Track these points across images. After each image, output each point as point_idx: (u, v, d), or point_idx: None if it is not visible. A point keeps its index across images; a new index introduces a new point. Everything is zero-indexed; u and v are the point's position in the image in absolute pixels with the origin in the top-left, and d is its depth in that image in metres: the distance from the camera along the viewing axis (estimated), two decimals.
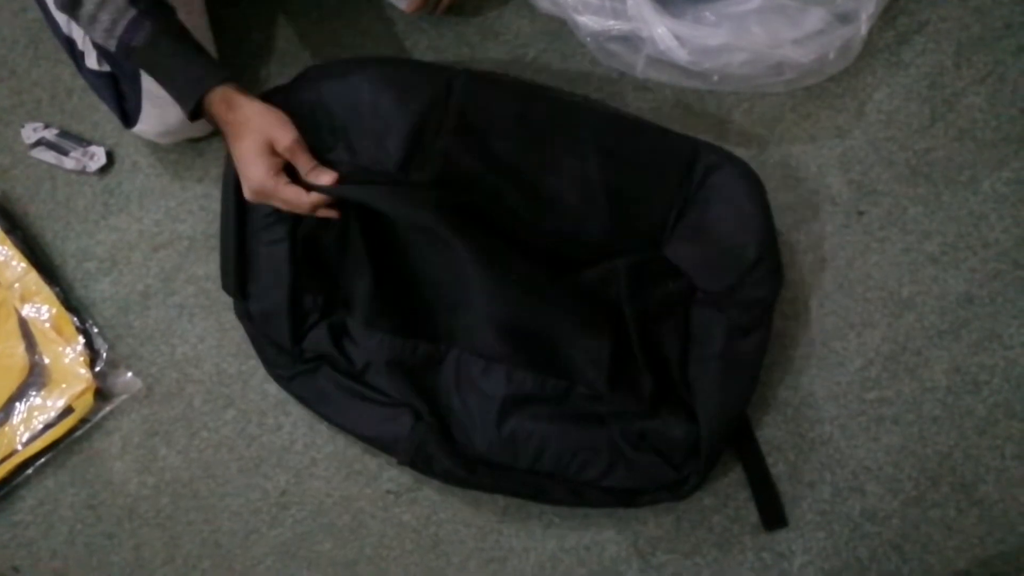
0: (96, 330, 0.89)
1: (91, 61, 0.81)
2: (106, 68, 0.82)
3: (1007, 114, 0.86)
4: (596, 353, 0.76)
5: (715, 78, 0.85)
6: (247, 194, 0.70)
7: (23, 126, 0.93)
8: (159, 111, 0.83)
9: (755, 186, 0.77)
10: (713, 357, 0.76)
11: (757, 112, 0.89)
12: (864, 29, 0.85)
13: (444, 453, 0.77)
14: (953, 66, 0.88)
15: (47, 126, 0.93)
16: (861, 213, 0.86)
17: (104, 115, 0.93)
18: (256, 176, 0.68)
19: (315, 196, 0.69)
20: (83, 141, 0.93)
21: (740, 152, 0.87)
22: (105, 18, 0.65)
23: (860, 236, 0.85)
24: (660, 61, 0.85)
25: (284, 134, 0.68)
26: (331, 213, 0.72)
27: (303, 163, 0.70)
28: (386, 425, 0.79)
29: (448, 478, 0.79)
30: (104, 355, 0.88)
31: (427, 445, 0.77)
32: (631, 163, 0.77)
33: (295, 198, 0.69)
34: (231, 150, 0.70)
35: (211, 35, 0.84)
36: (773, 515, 0.80)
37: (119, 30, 0.65)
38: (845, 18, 0.86)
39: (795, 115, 0.89)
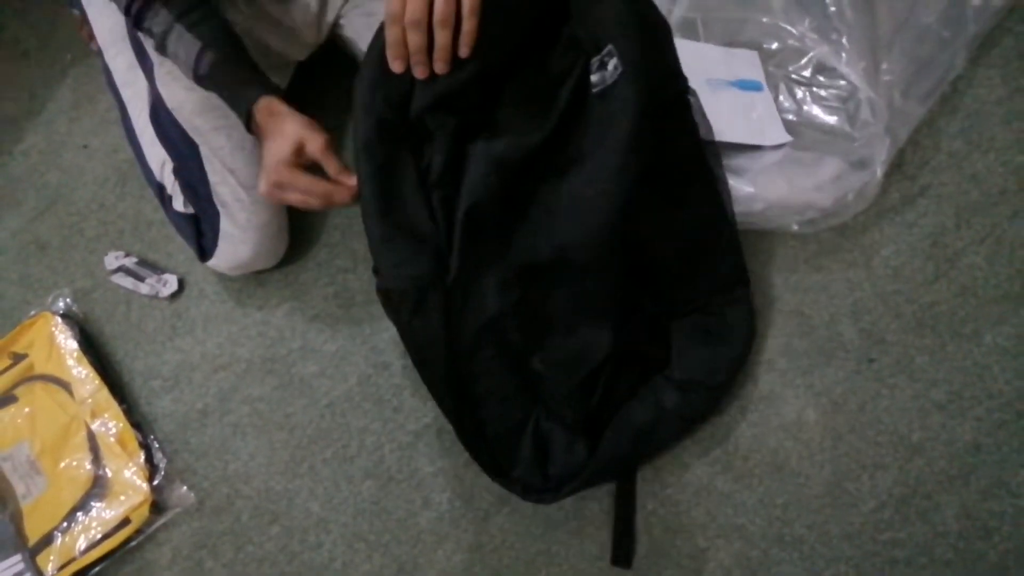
0: (156, 445, 0.96)
1: (178, 204, 0.92)
2: (190, 210, 0.92)
3: (1005, 273, 0.93)
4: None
5: (742, 220, 0.94)
6: (263, 187, 0.74)
7: (107, 254, 1.03)
8: (232, 248, 0.92)
9: (752, 336, 0.90)
10: (644, 422, 0.86)
11: (774, 263, 0.97)
12: (879, 173, 0.93)
13: (432, 318, 0.76)
14: (954, 227, 0.96)
15: (127, 254, 1.03)
16: (871, 360, 0.92)
17: (178, 246, 1.03)
18: (275, 164, 0.73)
19: (330, 185, 0.73)
20: (158, 269, 1.02)
21: (758, 299, 0.95)
22: (181, 52, 0.79)
23: (871, 382, 0.91)
24: None
25: (315, 137, 0.73)
26: (346, 201, 0.74)
27: (332, 165, 0.73)
28: (410, 252, 0.74)
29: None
30: (162, 469, 0.94)
31: (425, 302, 0.75)
32: (708, 249, 0.88)
33: (311, 184, 0.73)
34: (262, 150, 0.75)
35: None
36: (623, 554, 0.87)
37: (190, 61, 0.79)
38: (861, 164, 0.94)
39: (808, 267, 0.96)
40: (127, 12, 0.79)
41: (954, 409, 0.89)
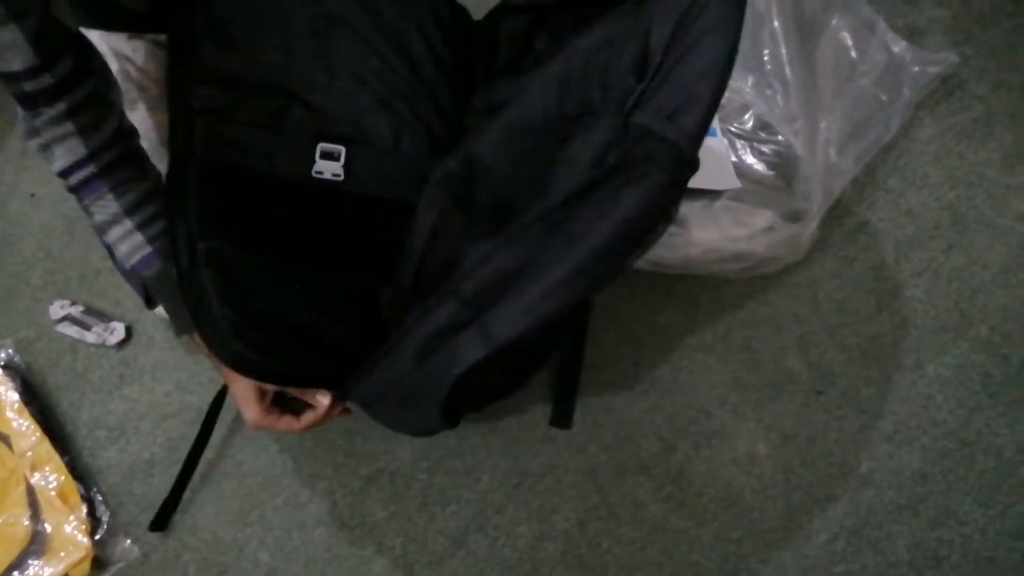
0: (100, 497, 0.93)
1: None
2: None
3: (943, 304, 0.96)
4: None
5: (678, 267, 0.95)
6: (247, 426, 0.74)
7: (52, 303, 1.01)
8: None
9: None
10: None
11: (722, 299, 0.98)
12: (812, 226, 0.96)
13: None
14: (893, 261, 0.99)
15: (74, 303, 1.01)
16: (820, 393, 0.93)
17: (126, 293, 1.01)
18: (252, 417, 0.73)
19: (306, 419, 0.73)
20: (105, 317, 1.01)
21: (707, 334, 0.97)
22: (124, 248, 0.70)
23: (820, 414, 0.93)
24: None
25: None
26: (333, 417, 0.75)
27: (297, 393, 0.73)
28: None
29: None
30: (105, 522, 0.91)
31: None
32: None
33: (289, 427, 0.74)
34: (228, 386, 0.73)
35: None
36: (562, 416, 0.90)
37: (133, 260, 0.70)
38: (794, 217, 0.97)
39: (755, 302, 0.98)
40: (61, 175, 0.67)
41: (901, 439, 0.91)
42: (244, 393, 0.71)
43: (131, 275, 0.92)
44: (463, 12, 0.87)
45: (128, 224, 0.69)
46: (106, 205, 0.68)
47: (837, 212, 1.01)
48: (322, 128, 0.76)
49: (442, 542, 0.89)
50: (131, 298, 1.01)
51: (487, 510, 0.90)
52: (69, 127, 0.65)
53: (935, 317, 0.96)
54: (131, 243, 0.70)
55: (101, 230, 0.70)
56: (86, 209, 0.69)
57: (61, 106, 0.64)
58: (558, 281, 0.55)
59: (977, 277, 0.97)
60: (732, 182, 1.01)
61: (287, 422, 0.73)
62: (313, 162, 0.75)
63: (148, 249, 0.70)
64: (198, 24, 0.74)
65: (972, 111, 1.04)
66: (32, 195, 1.09)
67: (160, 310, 0.92)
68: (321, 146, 0.76)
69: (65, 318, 1.00)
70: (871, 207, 1.01)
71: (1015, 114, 1.03)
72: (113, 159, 0.68)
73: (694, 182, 0.98)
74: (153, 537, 0.92)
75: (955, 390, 0.92)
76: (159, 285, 0.71)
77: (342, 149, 0.76)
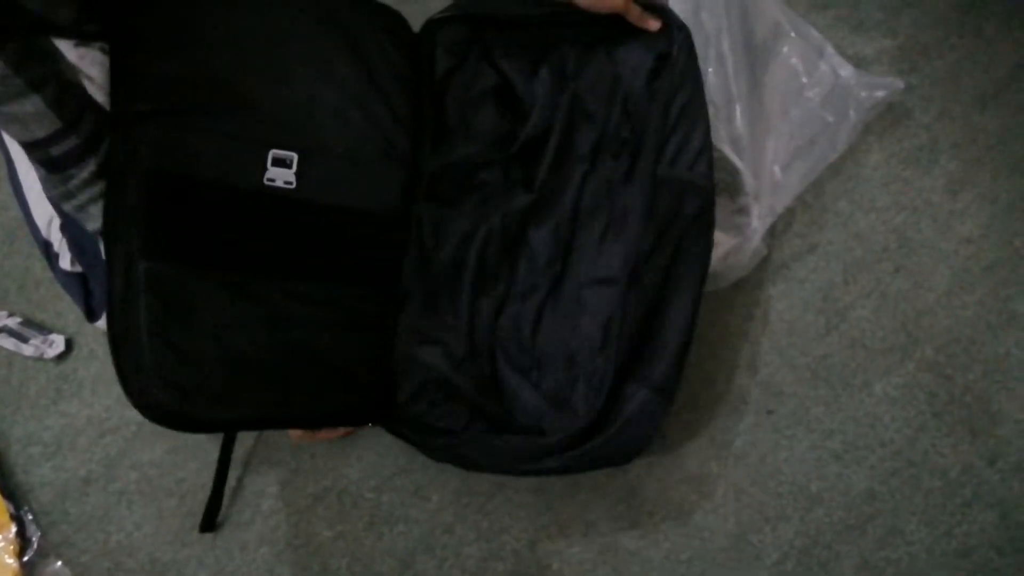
0: (31, 517, 0.89)
1: (65, 263, 0.88)
2: (78, 269, 0.88)
3: (891, 326, 0.97)
4: None
5: None
6: (292, 439, 0.90)
7: None
8: None
9: None
10: None
11: None
12: (755, 240, 0.97)
13: None
14: (842, 282, 1.00)
15: (11, 314, 0.98)
16: (770, 412, 0.94)
17: (67, 305, 0.98)
18: (297, 435, 0.88)
19: (345, 430, 0.89)
20: (44, 329, 0.98)
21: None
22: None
23: (770, 433, 0.93)
24: None
25: None
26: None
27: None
28: None
29: None
30: (35, 543, 0.88)
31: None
32: None
33: (327, 437, 0.89)
34: None
35: None
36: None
37: None
38: (738, 232, 0.98)
39: (707, 322, 0.98)
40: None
41: (849, 459, 0.91)
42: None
43: (71, 285, 0.90)
44: (405, 21, 0.88)
45: None
46: None
47: (788, 234, 1.03)
48: (273, 134, 0.75)
49: (389, 563, 0.87)
50: (72, 310, 0.98)
51: (436, 530, 0.89)
52: (103, 186, 0.67)
53: (882, 338, 0.97)
54: None
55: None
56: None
57: (91, 166, 0.66)
58: (686, 322, 0.80)
59: (922, 299, 0.98)
60: None
61: (326, 434, 0.88)
62: (265, 169, 0.74)
63: None
64: (142, 25, 0.73)
65: (918, 139, 1.07)
66: None
67: (102, 323, 0.90)
68: (273, 152, 0.74)
69: (1, 329, 0.97)
70: (821, 229, 1.03)
71: (958, 142, 1.05)
72: None
73: None
74: (87, 558, 0.88)
75: (902, 410, 0.93)
76: None
77: (294, 156, 0.75)
